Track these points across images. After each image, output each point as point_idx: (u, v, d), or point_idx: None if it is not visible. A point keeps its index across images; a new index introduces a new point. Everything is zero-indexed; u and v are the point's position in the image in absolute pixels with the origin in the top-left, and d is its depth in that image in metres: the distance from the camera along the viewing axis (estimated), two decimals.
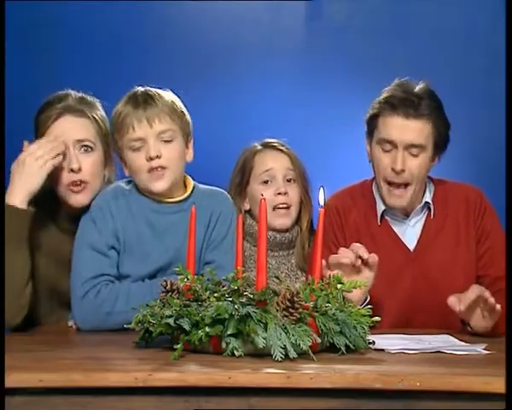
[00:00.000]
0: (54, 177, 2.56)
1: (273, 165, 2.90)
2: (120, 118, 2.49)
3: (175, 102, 2.53)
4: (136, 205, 2.53)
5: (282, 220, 2.88)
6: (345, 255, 2.43)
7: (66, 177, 2.56)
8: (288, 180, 2.91)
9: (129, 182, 2.59)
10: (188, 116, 2.56)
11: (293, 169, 2.91)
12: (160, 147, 2.48)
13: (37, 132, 2.59)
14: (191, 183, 2.60)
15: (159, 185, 2.50)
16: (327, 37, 3.65)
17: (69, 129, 2.56)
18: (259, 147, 2.95)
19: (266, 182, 2.90)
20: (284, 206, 2.88)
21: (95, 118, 2.60)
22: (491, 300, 2.36)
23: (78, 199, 2.57)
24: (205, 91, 3.56)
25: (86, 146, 2.58)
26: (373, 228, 2.71)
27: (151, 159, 2.47)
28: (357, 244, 2.46)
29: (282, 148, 2.93)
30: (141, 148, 2.49)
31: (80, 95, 2.63)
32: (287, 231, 2.90)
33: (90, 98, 2.64)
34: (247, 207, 2.93)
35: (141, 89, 2.54)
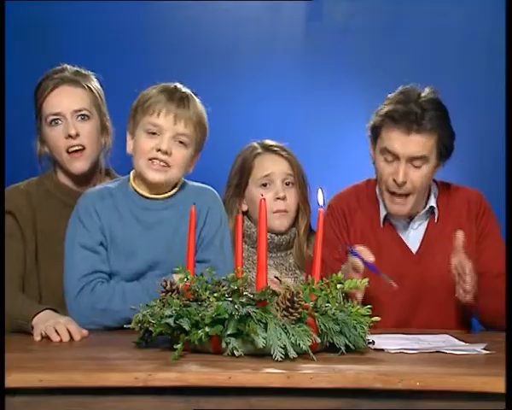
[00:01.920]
0: (52, 146, 2.65)
1: (272, 169, 2.91)
2: (150, 101, 2.49)
3: (203, 116, 2.55)
4: (122, 203, 2.53)
5: (281, 222, 2.89)
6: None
7: (65, 143, 2.64)
8: (287, 184, 2.91)
9: (116, 181, 2.61)
10: (207, 135, 2.57)
11: (293, 174, 2.92)
12: (172, 146, 2.48)
13: (36, 104, 2.68)
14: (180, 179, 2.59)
15: (156, 176, 2.49)
16: (327, 37, 3.65)
17: (66, 99, 2.66)
18: (260, 149, 2.94)
19: (265, 185, 2.90)
20: (283, 211, 2.88)
21: (90, 88, 2.69)
22: (465, 279, 2.48)
23: (76, 166, 2.66)
24: (205, 91, 3.55)
25: (83, 115, 2.67)
26: (377, 230, 2.71)
27: (159, 151, 2.47)
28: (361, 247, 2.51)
29: (282, 152, 2.93)
30: (155, 135, 2.48)
31: (76, 68, 2.72)
32: (284, 232, 2.91)
33: (84, 71, 2.73)
34: (244, 208, 2.93)
35: (179, 86, 2.55)
